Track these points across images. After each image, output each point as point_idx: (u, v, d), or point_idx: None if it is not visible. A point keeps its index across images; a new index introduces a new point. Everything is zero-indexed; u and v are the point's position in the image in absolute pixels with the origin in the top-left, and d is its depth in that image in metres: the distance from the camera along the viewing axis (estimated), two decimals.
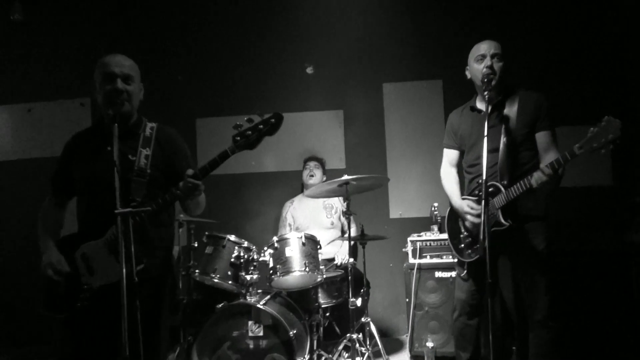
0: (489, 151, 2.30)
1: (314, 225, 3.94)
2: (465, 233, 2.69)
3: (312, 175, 4.06)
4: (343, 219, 4.04)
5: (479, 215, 2.48)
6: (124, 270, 1.79)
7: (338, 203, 4.03)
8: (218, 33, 4.51)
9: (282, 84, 4.47)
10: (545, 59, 4.15)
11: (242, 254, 3.16)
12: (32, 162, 4.51)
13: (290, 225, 4.09)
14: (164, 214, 2.24)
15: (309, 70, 4.44)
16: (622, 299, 3.08)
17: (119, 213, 1.85)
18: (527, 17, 4.19)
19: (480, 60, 2.58)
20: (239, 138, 2.01)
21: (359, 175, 3.19)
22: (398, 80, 4.40)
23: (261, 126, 1.99)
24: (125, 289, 1.77)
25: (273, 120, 2.00)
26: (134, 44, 4.35)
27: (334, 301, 3.40)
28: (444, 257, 3.56)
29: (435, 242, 3.61)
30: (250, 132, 1.99)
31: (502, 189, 2.49)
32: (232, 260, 3.16)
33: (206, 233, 3.32)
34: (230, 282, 3.15)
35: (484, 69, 2.54)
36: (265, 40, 4.47)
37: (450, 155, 2.87)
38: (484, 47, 2.59)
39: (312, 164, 4.13)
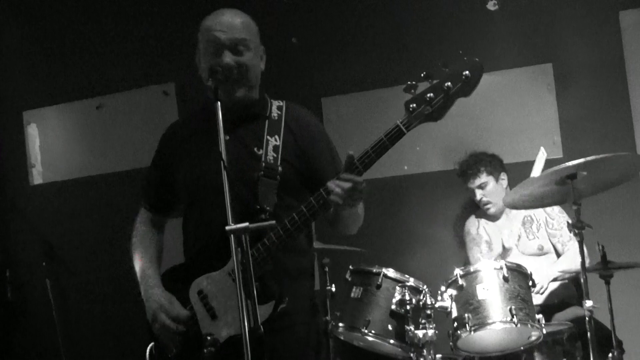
0: None
1: (514, 253, 3.87)
2: None
3: (487, 202, 3.91)
4: (558, 235, 3.84)
5: None
6: (244, 314, 1.77)
7: (541, 213, 3.91)
8: None
9: (446, 29, 4.37)
10: None
11: (407, 297, 3.12)
12: (102, 180, 4.94)
13: (488, 244, 3.98)
14: (302, 235, 2.26)
15: (492, 5, 4.30)
16: None
17: (232, 231, 1.83)
18: None
19: None
20: (414, 105, 1.98)
21: (593, 157, 2.93)
22: None
23: (449, 83, 1.96)
24: (248, 343, 1.76)
25: (467, 72, 1.95)
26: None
27: None
28: None
29: None
30: (432, 95, 1.97)
31: None
32: (394, 307, 3.14)
33: (350, 267, 3.37)
34: (392, 341, 3.12)
35: None
36: None
37: None
38: None
39: (473, 178, 3.90)
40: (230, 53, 2.21)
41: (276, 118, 2.31)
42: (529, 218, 3.91)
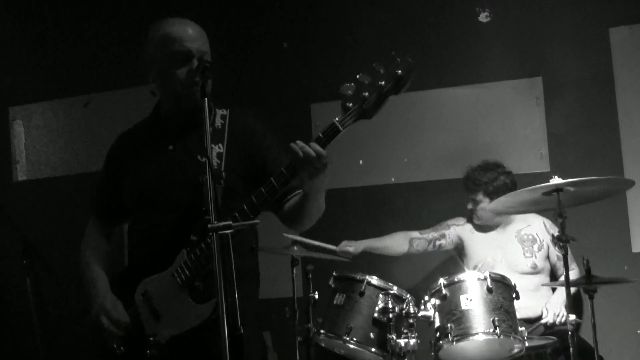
0: None
1: (501, 267, 3.82)
2: None
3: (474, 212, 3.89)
4: (554, 257, 3.84)
5: None
6: (224, 315, 1.76)
7: (544, 233, 3.86)
8: None
9: (437, 40, 4.42)
10: None
11: (390, 305, 3.10)
12: (86, 178, 4.85)
13: (444, 237, 3.99)
14: (250, 234, 2.35)
15: (484, 17, 4.32)
16: None
17: (215, 229, 1.83)
18: None
19: None
20: (350, 104, 2.04)
21: (582, 178, 3.02)
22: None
23: (382, 82, 2.01)
24: (227, 344, 1.75)
25: (399, 71, 2.01)
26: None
27: None
28: None
29: None
30: (366, 94, 2.02)
31: None
32: (376, 315, 3.13)
33: (334, 274, 3.37)
34: (373, 349, 3.11)
35: None
36: None
37: None
38: None
39: (469, 192, 3.87)
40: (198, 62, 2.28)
41: (220, 127, 2.35)
42: (530, 237, 3.87)
